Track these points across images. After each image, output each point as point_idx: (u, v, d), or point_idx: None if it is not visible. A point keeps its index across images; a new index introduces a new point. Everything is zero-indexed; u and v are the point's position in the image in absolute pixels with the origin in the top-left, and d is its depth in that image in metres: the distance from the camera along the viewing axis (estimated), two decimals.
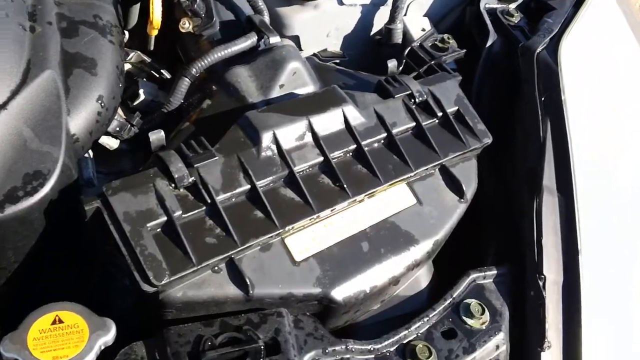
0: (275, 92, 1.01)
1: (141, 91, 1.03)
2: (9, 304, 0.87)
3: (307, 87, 1.04)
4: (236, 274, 0.79)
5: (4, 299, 0.84)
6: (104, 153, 0.97)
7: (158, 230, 0.77)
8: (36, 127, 0.79)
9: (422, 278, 0.99)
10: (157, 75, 1.07)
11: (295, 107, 0.93)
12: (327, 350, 0.81)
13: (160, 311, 0.78)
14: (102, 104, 0.87)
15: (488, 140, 1.03)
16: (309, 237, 0.86)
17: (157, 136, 0.84)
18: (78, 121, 0.84)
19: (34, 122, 0.79)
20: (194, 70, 1.00)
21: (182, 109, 1.01)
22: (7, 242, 0.76)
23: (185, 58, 1.14)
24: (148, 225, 0.76)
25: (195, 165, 0.81)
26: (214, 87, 1.00)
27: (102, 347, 0.71)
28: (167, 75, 1.07)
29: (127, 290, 0.80)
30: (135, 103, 1.03)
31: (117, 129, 0.95)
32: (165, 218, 0.77)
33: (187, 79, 0.99)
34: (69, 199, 0.80)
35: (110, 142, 0.96)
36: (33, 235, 0.78)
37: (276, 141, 0.88)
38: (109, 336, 0.71)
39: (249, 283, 0.79)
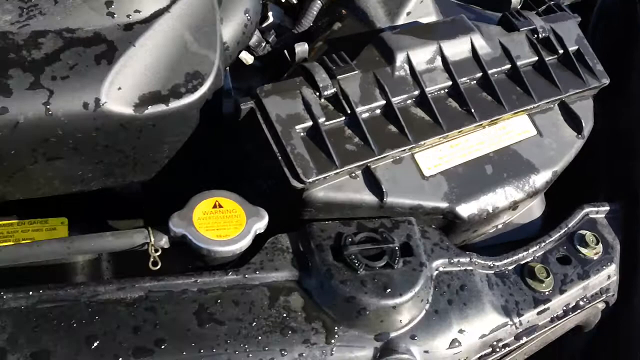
0: (402, 19, 1.04)
1: (270, 14, 1.08)
2: (154, 198, 0.94)
3: (431, 16, 1.06)
4: (372, 181, 0.84)
5: (151, 191, 0.91)
6: (236, 67, 1.02)
7: (303, 133, 0.82)
8: (195, 31, 0.84)
9: (536, 208, 1.02)
10: (283, 1, 1.11)
11: (427, 31, 0.96)
12: (452, 260, 0.85)
13: (301, 209, 0.83)
14: (248, 17, 0.92)
15: (606, 81, 1.04)
16: (437, 155, 0.90)
17: (301, 48, 0.88)
18: (229, 30, 0.89)
19: (192, 27, 0.84)
20: None
21: (310, 31, 1.05)
22: (165, 135, 0.82)
23: None
24: (296, 127, 0.81)
25: (337, 77, 0.86)
26: (343, 11, 1.04)
27: (257, 233, 0.77)
28: (294, 1, 1.11)
29: (268, 191, 0.86)
30: (264, 25, 1.08)
31: (255, 44, 1.00)
32: (311, 123, 0.82)
33: (319, 2, 1.03)
34: (218, 102, 0.86)
35: (247, 57, 1.01)
36: (187, 131, 0.84)
37: (409, 62, 0.91)
38: (263, 223, 0.77)
39: (384, 190, 0.83)
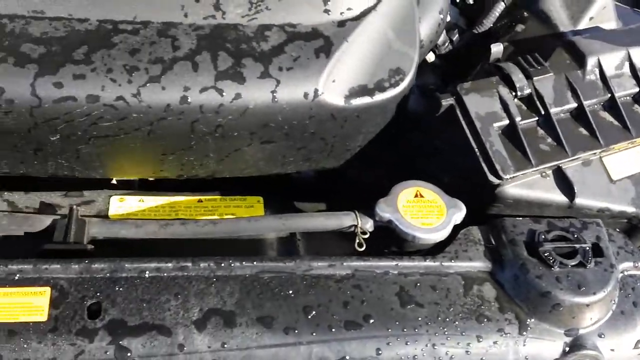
0: (584, 24, 1.05)
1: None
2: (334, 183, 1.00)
3: (612, 22, 1.07)
4: (563, 181, 0.86)
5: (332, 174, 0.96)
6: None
7: (500, 131, 0.85)
8: (397, 29, 0.89)
9: None
10: (458, 1, 1.15)
11: (616, 37, 0.97)
12: (637, 264, 0.86)
13: (490, 205, 0.86)
14: (442, 17, 0.96)
15: None
16: (624, 160, 0.91)
17: (497, 49, 0.92)
18: (425, 29, 0.94)
19: (395, 25, 0.89)
20: None
21: (489, 32, 1.08)
22: (364, 126, 0.88)
23: None
24: (494, 125, 0.84)
25: (533, 78, 0.88)
26: (525, 13, 1.06)
27: (455, 223, 0.81)
28: (470, 1, 1.14)
29: (450, 184, 0.89)
30: None
31: (441, 43, 1.04)
32: (507, 121, 0.85)
33: (502, 3, 1.05)
34: (408, 97, 0.90)
35: (430, 55, 1.05)
36: (382, 123, 0.89)
37: (599, 66, 0.93)
38: (461, 214, 0.81)
39: (575, 191, 0.85)
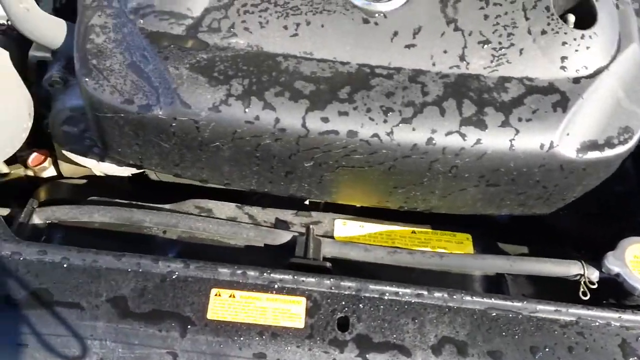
0: None
1: None
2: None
3: None
4: None
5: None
6: None
7: None
8: (627, 89, 0.92)
9: None
10: None
11: None
12: None
13: None
14: None
15: None
16: None
17: None
18: None
19: (625, 84, 0.92)
20: None
21: None
22: (585, 179, 0.91)
23: None
24: None
25: None
26: None
27: None
28: None
29: None
30: None
31: None
32: None
33: None
34: None
35: None
36: (602, 177, 0.92)
37: None
38: None
39: None
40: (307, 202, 1.11)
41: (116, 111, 0.85)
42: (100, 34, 0.87)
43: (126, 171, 1.15)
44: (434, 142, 0.85)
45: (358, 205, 1.04)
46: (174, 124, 0.84)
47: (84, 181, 1.21)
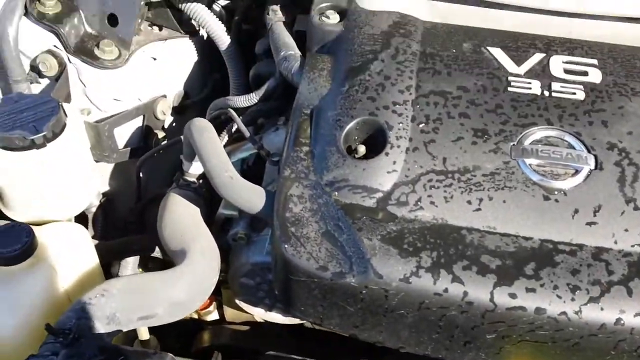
0: None
1: None
2: None
3: None
4: None
5: None
6: None
7: None
8: None
9: None
10: None
11: None
12: None
13: None
14: None
15: None
16: None
17: None
18: None
19: None
20: None
21: None
22: None
23: None
24: None
25: None
26: None
27: None
28: None
29: None
30: None
31: None
32: None
33: None
34: None
35: None
36: None
37: None
38: None
39: None
40: None
41: (310, 276, 0.91)
42: (298, 203, 0.95)
43: (288, 320, 1.20)
44: (622, 322, 0.85)
45: None
46: (364, 292, 0.89)
47: (246, 328, 1.27)
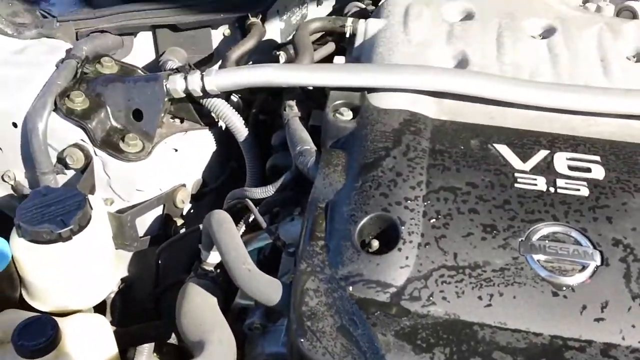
0: None
1: None
2: None
3: None
4: None
5: None
6: None
7: None
8: None
9: None
10: None
11: None
12: None
13: None
14: None
15: None
16: None
17: None
18: None
19: None
20: None
21: None
22: None
23: None
24: None
25: None
26: None
27: None
28: None
29: None
30: None
31: None
32: None
33: None
34: None
35: None
36: None
37: None
38: None
39: None
40: None
41: None
42: (314, 297, 0.98)
43: None
44: None
45: None
46: None
47: None
